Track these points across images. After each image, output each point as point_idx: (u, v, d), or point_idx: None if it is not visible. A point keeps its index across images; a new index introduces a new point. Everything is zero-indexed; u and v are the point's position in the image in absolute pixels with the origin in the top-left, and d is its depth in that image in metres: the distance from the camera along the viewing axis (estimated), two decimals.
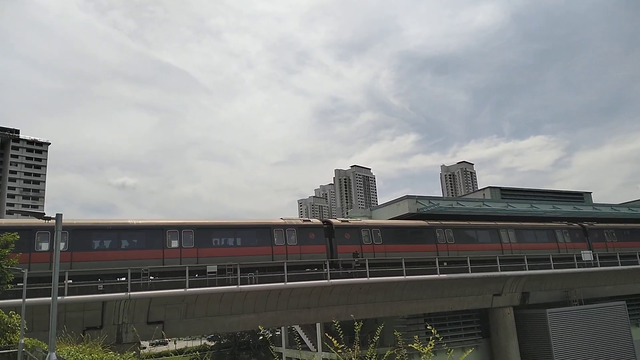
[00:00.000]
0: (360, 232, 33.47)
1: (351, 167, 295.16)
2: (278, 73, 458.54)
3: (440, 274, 32.98)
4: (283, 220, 31.87)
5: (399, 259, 32.40)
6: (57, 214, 12.87)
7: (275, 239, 30.50)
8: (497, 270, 35.33)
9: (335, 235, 32.65)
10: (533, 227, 41.88)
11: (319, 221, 33.86)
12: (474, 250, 36.98)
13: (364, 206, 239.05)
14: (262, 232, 30.70)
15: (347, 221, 34.90)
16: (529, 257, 37.65)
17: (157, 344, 77.07)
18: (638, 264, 41.83)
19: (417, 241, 35.77)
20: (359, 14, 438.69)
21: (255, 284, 27.76)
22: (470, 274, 34.05)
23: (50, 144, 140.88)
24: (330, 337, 7.53)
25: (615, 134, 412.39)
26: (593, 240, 43.10)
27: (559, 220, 45.20)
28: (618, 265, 40.87)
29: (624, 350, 39.37)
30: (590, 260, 39.89)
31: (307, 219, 34.75)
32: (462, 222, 39.00)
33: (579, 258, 39.53)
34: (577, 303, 39.87)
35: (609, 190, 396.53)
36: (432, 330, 7.13)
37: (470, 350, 10.10)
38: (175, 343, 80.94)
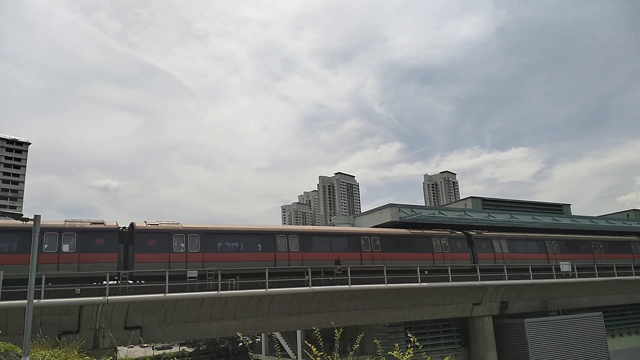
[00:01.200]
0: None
1: (335, 174, 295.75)
2: (263, 79, 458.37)
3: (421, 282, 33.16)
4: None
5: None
6: (35, 216, 12.70)
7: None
8: (477, 280, 35.66)
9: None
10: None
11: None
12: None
13: (347, 213, 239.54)
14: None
15: None
16: (509, 267, 38.13)
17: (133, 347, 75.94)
18: (615, 276, 42.64)
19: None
20: (345, 22, 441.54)
21: (236, 289, 27.57)
22: (450, 283, 34.27)
23: (30, 143, 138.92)
24: (310, 345, 7.51)
25: (594, 147, 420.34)
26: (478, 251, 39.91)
27: (540, 231, 45.87)
28: (596, 276, 41.56)
29: None
30: (568, 271, 40.54)
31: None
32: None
33: (558, 269, 40.14)
34: (555, 313, 40.40)
35: (586, 203, 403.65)
36: (412, 339, 7.16)
37: (447, 358, 10.14)
38: (153, 349, 79.77)
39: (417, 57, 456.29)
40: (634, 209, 63.63)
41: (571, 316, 40.55)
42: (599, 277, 41.64)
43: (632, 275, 43.87)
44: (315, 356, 6.93)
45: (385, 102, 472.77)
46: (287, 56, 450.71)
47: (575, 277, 40.52)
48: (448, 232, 38.89)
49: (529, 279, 38.16)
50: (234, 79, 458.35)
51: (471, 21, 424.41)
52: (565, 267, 40.45)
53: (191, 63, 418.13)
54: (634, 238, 50.50)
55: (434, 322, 37.79)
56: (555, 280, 39.51)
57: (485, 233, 40.96)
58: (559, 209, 56.37)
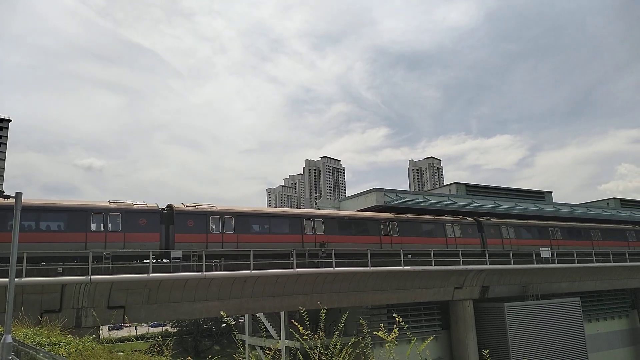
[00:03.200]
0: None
1: (321, 157, 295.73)
2: (251, 59, 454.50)
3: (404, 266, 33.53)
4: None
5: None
6: (16, 193, 12.48)
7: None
8: (459, 264, 36.16)
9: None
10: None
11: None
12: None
13: (332, 197, 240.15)
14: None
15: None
16: (490, 252, 38.73)
17: (116, 329, 75.85)
18: (593, 262, 43.57)
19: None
20: (334, 4, 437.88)
21: (220, 271, 27.60)
22: (433, 267, 34.70)
23: (10, 120, 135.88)
24: (297, 324, 7.56)
25: (577, 135, 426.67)
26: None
27: (523, 217, 46.52)
28: (574, 263, 42.42)
29: (577, 344, 40.98)
30: (548, 257, 41.31)
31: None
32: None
33: (538, 254, 40.88)
34: (533, 298, 41.20)
35: (568, 191, 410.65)
36: (398, 319, 7.23)
37: (431, 338, 10.26)
38: (136, 328, 79.80)
39: (406, 42, 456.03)
40: (613, 198, 64.76)
41: (550, 301, 41.41)
42: (577, 263, 42.53)
43: (610, 262, 44.88)
44: (302, 335, 6.98)
45: (373, 86, 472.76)
46: (276, 37, 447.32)
47: (554, 263, 41.35)
48: (459, 218, 40.12)
49: (510, 264, 38.82)
50: (220, 58, 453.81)
51: (460, 7, 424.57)
52: (545, 253, 41.22)
53: (177, 41, 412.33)
54: (629, 227, 52.43)
55: (416, 305, 38.30)
56: (535, 265, 40.25)
57: (495, 220, 42.40)
58: (540, 196, 57.09)
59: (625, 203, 64.03)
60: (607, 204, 63.09)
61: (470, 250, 38.90)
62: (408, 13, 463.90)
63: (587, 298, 47.12)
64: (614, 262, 45.03)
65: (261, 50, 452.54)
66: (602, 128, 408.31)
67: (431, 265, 34.71)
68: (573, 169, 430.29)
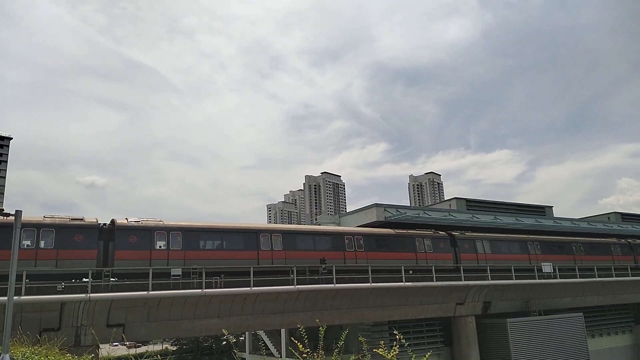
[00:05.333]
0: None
1: (321, 173, 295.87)
2: (251, 76, 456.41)
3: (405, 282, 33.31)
4: None
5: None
6: (16, 211, 12.48)
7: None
8: (461, 280, 35.94)
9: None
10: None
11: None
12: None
13: (332, 213, 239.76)
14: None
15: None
16: (492, 267, 38.52)
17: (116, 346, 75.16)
18: (596, 277, 43.29)
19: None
20: (334, 22, 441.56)
21: (221, 287, 27.42)
22: (434, 283, 34.50)
23: (12, 138, 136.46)
24: (296, 342, 7.50)
25: (577, 150, 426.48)
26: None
27: (523, 232, 46.37)
28: (577, 277, 42.15)
29: None
30: (550, 272, 41.06)
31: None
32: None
33: (540, 270, 40.64)
34: (536, 313, 40.88)
35: (569, 205, 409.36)
36: (398, 335, 7.17)
37: (429, 354, 10.16)
38: (135, 347, 79.01)
39: (405, 58, 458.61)
40: (614, 212, 64.66)
41: (552, 316, 41.09)
42: (580, 278, 42.24)
43: (613, 277, 44.60)
44: (301, 353, 6.92)
45: (372, 102, 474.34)
46: (275, 54, 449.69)
47: (556, 278, 41.09)
48: (431, 232, 39.13)
49: (512, 279, 38.58)
50: (220, 75, 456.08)
51: (458, 23, 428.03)
52: (547, 267, 40.99)
53: (177, 59, 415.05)
54: (614, 240, 51.45)
55: (417, 322, 38.01)
56: (537, 280, 40.00)
57: (469, 234, 41.29)
58: (541, 210, 57.03)
59: (626, 217, 63.92)
60: (608, 218, 62.99)
61: (471, 265, 38.66)
62: (406, 29, 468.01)
63: (590, 313, 46.71)
64: (616, 276, 44.76)
65: (261, 67, 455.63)
66: (601, 142, 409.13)
67: (432, 281, 34.51)
68: (573, 184, 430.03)
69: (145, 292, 24.87)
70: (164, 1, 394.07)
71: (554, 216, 56.68)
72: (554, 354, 39.29)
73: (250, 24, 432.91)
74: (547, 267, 41.01)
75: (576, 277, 42.12)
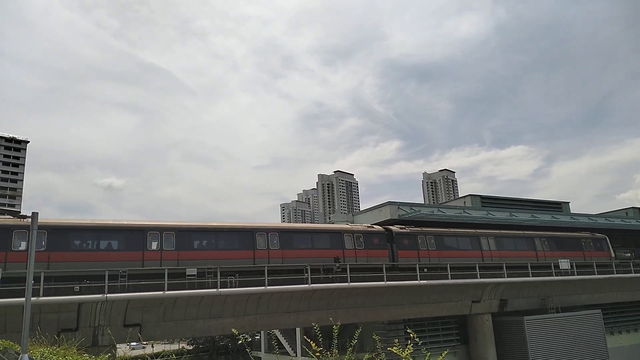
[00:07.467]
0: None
1: (334, 172, 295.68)
2: (263, 76, 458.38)
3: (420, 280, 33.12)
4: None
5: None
6: (32, 213, 12.63)
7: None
8: (477, 277, 35.63)
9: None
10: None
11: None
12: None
13: (346, 211, 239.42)
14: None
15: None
16: (508, 264, 38.08)
17: (133, 347, 75.96)
18: (613, 274, 42.62)
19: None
20: (345, 20, 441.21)
21: (235, 287, 27.53)
22: (449, 281, 34.28)
23: (29, 142, 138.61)
24: (310, 341, 7.49)
25: (593, 145, 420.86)
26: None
27: (539, 229, 45.79)
28: (594, 274, 41.55)
29: (599, 357, 39.99)
30: (567, 269, 40.52)
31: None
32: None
33: (557, 266, 40.11)
34: (554, 311, 40.42)
35: (585, 201, 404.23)
36: (412, 334, 7.13)
37: (446, 352, 10.05)
38: (152, 347, 79.79)
39: (417, 55, 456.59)
40: (632, 207, 63.61)
41: (570, 314, 40.58)
42: (597, 274, 41.60)
43: (631, 272, 43.88)
44: (315, 352, 6.91)
45: (385, 100, 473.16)
46: (287, 54, 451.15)
47: (574, 275, 40.53)
48: (364, 227, 36.35)
49: (528, 276, 38.15)
50: (233, 76, 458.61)
51: (471, 19, 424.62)
52: (564, 264, 40.46)
53: (190, 61, 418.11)
54: (586, 235, 47.27)
55: (433, 320, 37.80)
56: (554, 277, 39.49)
57: (411, 228, 37.59)
58: (557, 206, 56.32)
59: None
60: (626, 213, 62.00)
61: (488, 262, 38.23)
62: (418, 26, 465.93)
63: (609, 310, 46.06)
64: (634, 272, 44.02)
65: (273, 67, 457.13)
66: (618, 137, 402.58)
67: (448, 278, 34.29)
68: (590, 179, 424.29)
69: (161, 292, 25.08)
70: (177, 3, 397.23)
71: (571, 212, 55.95)
72: (572, 351, 38.82)
73: (262, 24, 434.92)
74: (564, 264, 40.48)
75: (594, 274, 41.50)
